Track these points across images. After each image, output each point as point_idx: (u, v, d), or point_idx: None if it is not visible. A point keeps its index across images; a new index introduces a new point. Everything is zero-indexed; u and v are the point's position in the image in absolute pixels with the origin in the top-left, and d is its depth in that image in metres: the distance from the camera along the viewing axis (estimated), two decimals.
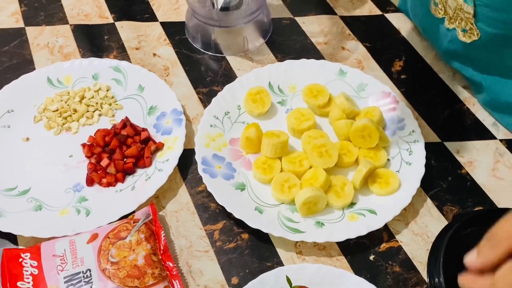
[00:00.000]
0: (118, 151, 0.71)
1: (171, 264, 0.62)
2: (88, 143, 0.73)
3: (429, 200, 0.69)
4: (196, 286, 0.62)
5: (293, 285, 0.59)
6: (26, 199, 0.69)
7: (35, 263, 0.60)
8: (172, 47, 0.87)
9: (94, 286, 0.58)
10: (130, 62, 0.84)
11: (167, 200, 0.69)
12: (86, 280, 0.58)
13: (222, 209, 0.68)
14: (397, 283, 0.62)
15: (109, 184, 0.70)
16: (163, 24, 0.91)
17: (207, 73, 0.84)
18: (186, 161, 0.73)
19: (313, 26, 0.90)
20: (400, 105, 0.76)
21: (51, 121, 0.76)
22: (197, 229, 0.67)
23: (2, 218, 0.66)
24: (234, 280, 0.63)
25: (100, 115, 0.78)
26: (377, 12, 0.92)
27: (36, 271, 0.60)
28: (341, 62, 0.83)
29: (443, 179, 0.71)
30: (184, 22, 0.90)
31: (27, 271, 0.60)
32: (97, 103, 0.78)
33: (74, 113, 0.77)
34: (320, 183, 0.67)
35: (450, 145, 0.74)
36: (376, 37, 0.88)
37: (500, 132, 0.76)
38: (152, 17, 0.92)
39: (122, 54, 0.86)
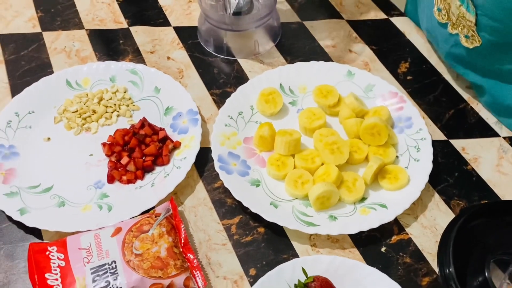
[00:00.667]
0: (137, 150, 0.74)
1: (191, 256, 0.65)
2: (108, 142, 0.76)
3: (436, 195, 0.72)
4: (216, 277, 0.65)
5: (308, 276, 0.61)
6: (49, 196, 0.72)
7: (61, 256, 0.63)
8: (185, 51, 0.90)
9: (120, 276, 0.60)
10: (146, 65, 0.87)
11: (185, 196, 0.72)
12: (112, 271, 0.61)
13: (238, 204, 0.70)
14: (408, 274, 0.65)
15: (129, 181, 0.73)
16: (176, 29, 0.94)
17: (220, 75, 0.87)
18: (202, 159, 0.75)
19: (320, 30, 0.93)
20: (407, 105, 0.79)
21: (71, 121, 0.79)
22: (215, 224, 0.70)
23: (27, 214, 0.68)
24: (252, 272, 0.65)
25: (118, 115, 0.81)
26: (382, 16, 0.96)
27: (63, 263, 0.62)
28: (349, 64, 0.86)
29: (450, 175, 0.74)
30: (196, 26, 0.93)
31: (54, 263, 0.62)
32: (115, 104, 0.81)
33: (93, 114, 0.80)
34: (332, 178, 0.70)
35: (456, 143, 0.77)
36: (382, 40, 0.91)
37: (504, 130, 0.79)
38: (165, 22, 0.95)
39: (138, 57, 0.89)
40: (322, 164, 0.73)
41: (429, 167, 0.72)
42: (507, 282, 0.63)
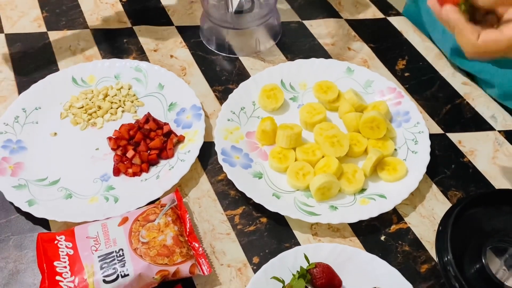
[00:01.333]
0: (142, 144, 0.76)
1: (196, 245, 0.66)
2: (113, 137, 0.78)
3: (434, 186, 0.74)
4: (220, 265, 0.67)
5: (310, 262, 0.63)
6: (56, 189, 0.73)
7: (70, 245, 0.65)
8: (188, 49, 0.92)
9: (127, 263, 0.62)
10: (149, 62, 0.89)
11: (189, 188, 0.74)
12: (119, 258, 0.63)
13: (241, 196, 0.72)
14: (407, 261, 0.67)
15: (134, 174, 0.74)
16: (179, 28, 0.96)
17: (222, 73, 0.89)
18: (206, 153, 0.77)
19: (320, 28, 0.96)
20: (405, 99, 0.81)
21: (77, 117, 0.81)
22: (219, 214, 0.71)
23: (36, 205, 0.70)
24: (255, 259, 0.67)
25: (123, 111, 0.82)
26: (380, 15, 0.98)
27: (71, 252, 0.64)
28: (348, 61, 0.89)
29: (447, 167, 0.76)
30: (198, 26, 0.95)
31: (63, 251, 0.64)
32: (120, 100, 0.83)
33: (98, 110, 0.82)
34: (333, 170, 0.71)
35: (452, 136, 0.80)
36: (380, 38, 0.94)
37: (499, 124, 0.81)
38: (168, 22, 0.97)
39: (141, 55, 0.91)
40: (323, 156, 0.75)
41: (426, 158, 0.74)
42: (504, 268, 0.65)
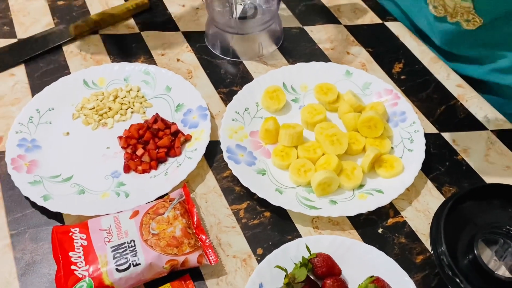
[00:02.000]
0: (151, 142, 0.80)
1: (203, 237, 0.70)
2: (124, 136, 0.82)
3: (429, 182, 0.78)
4: (226, 256, 0.70)
5: (312, 252, 0.67)
6: (69, 185, 0.77)
7: (84, 236, 0.68)
8: (194, 53, 0.96)
9: (139, 253, 0.66)
10: (157, 66, 0.93)
11: (196, 184, 0.78)
12: (131, 249, 0.66)
13: (246, 191, 0.76)
14: (403, 252, 0.71)
15: (144, 171, 0.78)
16: (185, 33, 1.00)
17: (226, 76, 0.93)
18: (211, 151, 0.81)
19: (320, 34, 1.00)
20: (401, 101, 0.85)
21: (89, 117, 0.85)
22: (224, 209, 0.75)
23: (50, 200, 0.74)
24: (259, 251, 0.71)
25: (132, 112, 0.86)
26: (378, 21, 1.02)
27: (85, 243, 0.67)
28: (347, 65, 0.92)
29: (441, 164, 0.80)
30: (203, 31, 0.99)
31: (77, 243, 0.68)
32: (129, 101, 0.87)
33: (109, 111, 0.86)
34: (332, 167, 0.75)
35: (447, 135, 0.83)
36: (378, 43, 0.98)
37: (491, 124, 0.85)
38: (175, 27, 1.01)
39: (149, 59, 0.95)
40: (323, 154, 0.78)
41: (422, 156, 0.77)
42: (495, 258, 0.69)
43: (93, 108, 0.86)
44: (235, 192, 0.77)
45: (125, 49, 0.97)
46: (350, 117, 0.81)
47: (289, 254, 0.68)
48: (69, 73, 0.93)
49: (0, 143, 0.82)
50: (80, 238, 0.68)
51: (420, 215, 0.74)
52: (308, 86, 0.89)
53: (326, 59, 0.95)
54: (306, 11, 1.04)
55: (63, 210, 0.72)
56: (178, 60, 0.95)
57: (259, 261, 0.69)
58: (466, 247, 0.68)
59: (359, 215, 0.73)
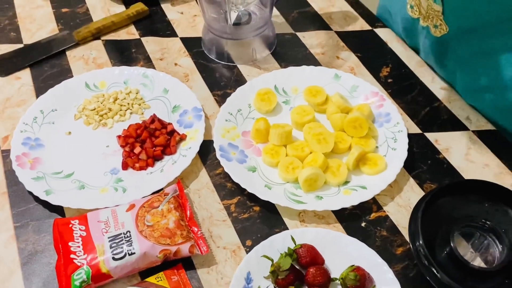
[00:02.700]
0: (148, 141, 0.84)
1: (195, 229, 0.74)
2: (122, 135, 0.86)
3: (411, 179, 0.82)
4: (217, 247, 0.74)
5: (297, 243, 0.71)
6: (70, 181, 0.81)
7: (83, 227, 0.73)
8: (191, 58, 1.01)
9: (134, 243, 0.70)
10: (156, 70, 0.97)
11: (190, 180, 0.82)
12: (127, 239, 0.71)
13: (237, 187, 0.80)
14: (384, 244, 0.74)
15: (141, 168, 0.83)
16: (182, 39, 1.05)
17: (221, 79, 0.97)
18: (205, 150, 0.85)
19: (312, 39, 1.04)
20: (387, 102, 0.89)
21: (90, 118, 0.90)
22: (216, 204, 0.79)
23: (52, 194, 0.78)
24: (248, 243, 0.75)
25: (131, 113, 0.91)
26: (367, 27, 1.07)
27: (84, 233, 0.72)
28: (336, 69, 0.97)
29: (424, 162, 0.84)
30: (200, 37, 1.04)
31: (76, 233, 0.72)
32: (128, 103, 0.91)
33: (109, 112, 0.90)
34: (319, 164, 0.79)
35: (430, 135, 0.87)
36: (367, 48, 1.02)
37: (473, 125, 0.89)
38: (173, 33, 1.06)
39: (148, 63, 1.00)
40: (311, 152, 0.83)
41: (404, 154, 0.81)
42: (471, 250, 0.72)
43: (94, 109, 0.91)
44: (227, 188, 0.81)
45: (126, 54, 1.02)
46: (337, 118, 0.86)
47: (276, 246, 0.72)
48: (72, 76, 0.98)
49: (6, 141, 0.87)
50: (80, 229, 0.72)
51: (402, 210, 0.78)
52: (299, 88, 0.94)
53: (317, 63, 1.00)
54: (299, 18, 1.09)
55: (64, 204, 0.77)
56: (175, 64, 1.00)
57: (247, 252, 0.74)
58: (443, 240, 0.71)
59: (344, 209, 0.77)
